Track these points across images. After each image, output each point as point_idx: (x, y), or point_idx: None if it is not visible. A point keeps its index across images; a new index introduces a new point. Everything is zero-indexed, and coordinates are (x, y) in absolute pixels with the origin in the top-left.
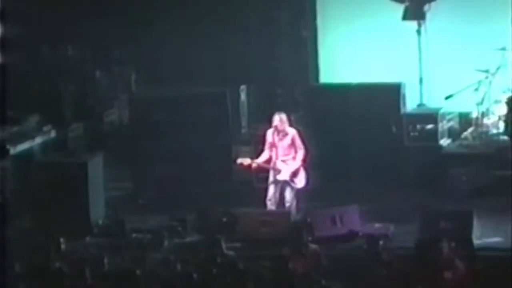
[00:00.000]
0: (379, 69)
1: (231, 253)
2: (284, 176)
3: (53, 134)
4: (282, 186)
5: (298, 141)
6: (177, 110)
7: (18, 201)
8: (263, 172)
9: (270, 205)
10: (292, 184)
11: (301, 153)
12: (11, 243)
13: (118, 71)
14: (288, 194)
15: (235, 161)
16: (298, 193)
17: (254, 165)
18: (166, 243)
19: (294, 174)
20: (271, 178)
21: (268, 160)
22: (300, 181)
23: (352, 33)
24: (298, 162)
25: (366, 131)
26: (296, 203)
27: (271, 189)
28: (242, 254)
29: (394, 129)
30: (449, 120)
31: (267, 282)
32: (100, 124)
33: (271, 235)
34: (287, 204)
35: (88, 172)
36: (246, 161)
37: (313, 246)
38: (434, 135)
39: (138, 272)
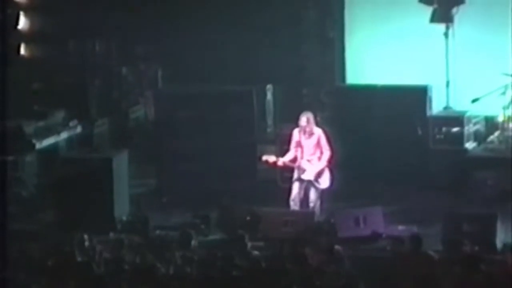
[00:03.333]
0: (405, 71)
1: (255, 252)
2: (308, 175)
3: (79, 129)
4: (306, 186)
5: (324, 141)
6: (203, 108)
7: (42, 196)
8: (287, 171)
9: (294, 205)
10: (317, 185)
11: (326, 154)
12: (35, 237)
13: (145, 68)
14: (312, 195)
15: (260, 158)
16: (322, 193)
17: (279, 162)
18: (189, 240)
19: (319, 174)
20: (295, 178)
21: (294, 160)
22: (325, 182)
23: (380, 34)
24: (323, 163)
25: (391, 133)
26: (320, 204)
27: (295, 189)
28: (266, 254)
29: (419, 132)
30: (475, 124)
31: (290, 281)
32: (125, 120)
33: (294, 235)
34: (311, 205)
35: (112, 168)
36: (271, 158)
37: (336, 246)
38: (459, 138)
39: (160, 269)
